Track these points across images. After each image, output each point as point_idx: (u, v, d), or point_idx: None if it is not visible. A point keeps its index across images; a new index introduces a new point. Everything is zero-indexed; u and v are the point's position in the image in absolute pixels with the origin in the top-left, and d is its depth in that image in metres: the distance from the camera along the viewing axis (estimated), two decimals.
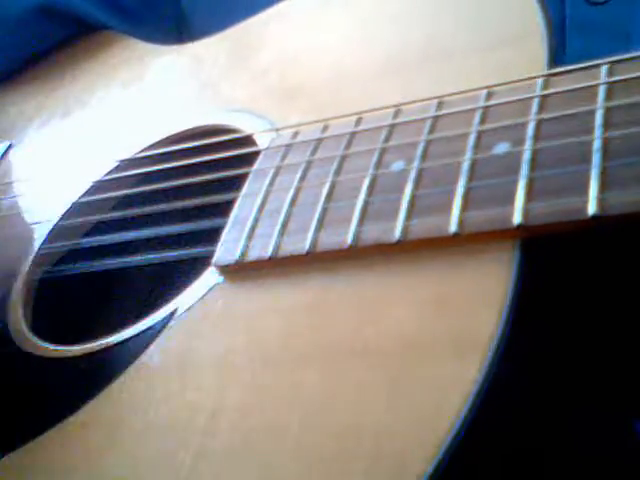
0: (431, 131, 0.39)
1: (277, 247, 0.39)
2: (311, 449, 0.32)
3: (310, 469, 0.32)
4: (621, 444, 0.39)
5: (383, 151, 0.40)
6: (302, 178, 0.41)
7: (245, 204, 0.43)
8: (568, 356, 0.35)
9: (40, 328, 0.49)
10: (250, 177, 0.44)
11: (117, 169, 0.55)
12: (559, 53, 0.40)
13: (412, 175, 0.37)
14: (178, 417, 0.37)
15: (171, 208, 0.49)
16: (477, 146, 0.36)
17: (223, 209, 0.44)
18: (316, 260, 0.38)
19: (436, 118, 0.39)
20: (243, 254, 0.40)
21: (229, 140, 0.50)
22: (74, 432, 0.40)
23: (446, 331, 0.32)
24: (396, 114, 0.41)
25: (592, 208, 0.31)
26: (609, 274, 0.34)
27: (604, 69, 0.36)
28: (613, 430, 0.39)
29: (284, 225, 0.40)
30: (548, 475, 0.35)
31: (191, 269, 0.45)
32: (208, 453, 0.34)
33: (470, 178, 0.35)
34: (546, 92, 0.37)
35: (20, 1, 0.71)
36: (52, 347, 0.46)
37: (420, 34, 0.46)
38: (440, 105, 0.40)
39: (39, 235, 0.54)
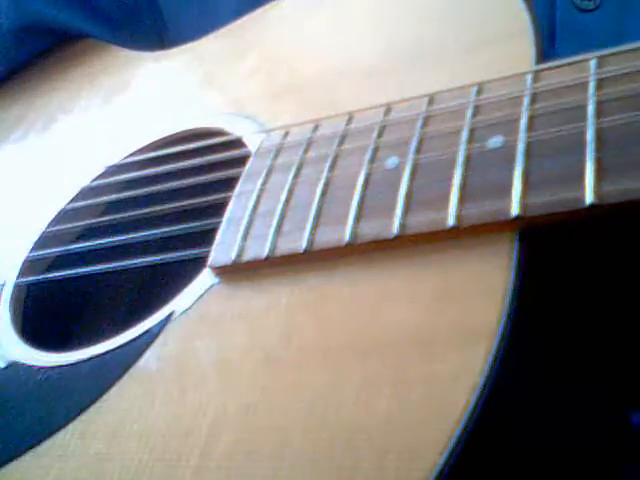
0: (424, 127, 0.39)
1: (273, 247, 0.39)
2: (318, 448, 0.32)
3: (318, 468, 0.31)
4: (616, 434, 0.40)
5: (376, 148, 0.40)
6: (296, 177, 0.41)
7: (238, 204, 0.42)
8: (569, 345, 0.35)
9: (30, 336, 0.48)
10: (242, 178, 0.44)
11: (105, 175, 0.55)
12: (549, 60, 0.40)
13: (407, 170, 0.37)
14: (180, 421, 0.36)
15: (161, 211, 0.49)
16: (471, 140, 0.37)
17: (214, 212, 0.44)
18: (313, 259, 0.38)
19: (428, 114, 0.40)
20: (239, 255, 0.40)
21: (219, 143, 0.49)
22: (72, 442, 0.39)
23: (449, 324, 0.32)
24: (387, 111, 0.41)
25: (589, 197, 0.31)
26: (608, 262, 0.34)
27: (593, 62, 0.37)
28: (608, 420, 0.39)
29: (279, 224, 0.39)
30: (549, 466, 0.35)
31: (181, 271, 0.44)
32: (212, 456, 0.34)
33: (466, 171, 0.35)
34: (537, 85, 0.37)
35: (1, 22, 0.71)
36: (44, 355, 0.45)
37: (409, 34, 0.46)
38: (431, 101, 0.40)
39: (27, 242, 0.54)
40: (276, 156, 0.44)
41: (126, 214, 0.50)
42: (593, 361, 0.37)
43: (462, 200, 0.34)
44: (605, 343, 0.36)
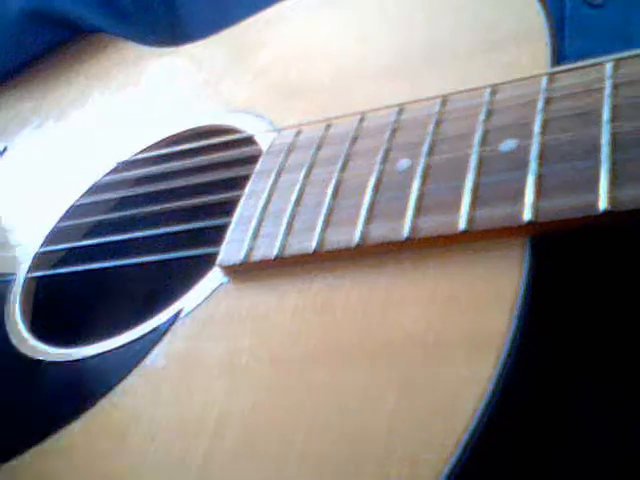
0: (436, 129, 0.39)
1: (283, 246, 0.39)
2: (320, 451, 0.32)
3: (320, 471, 0.31)
4: (625, 443, 0.39)
5: (388, 149, 0.39)
6: (306, 177, 0.41)
7: (249, 203, 0.42)
8: (579, 352, 0.34)
9: (39, 331, 0.48)
10: (253, 176, 0.44)
11: (116, 170, 0.55)
12: (559, 55, 0.40)
13: (419, 172, 0.37)
14: (186, 420, 0.36)
15: (171, 208, 0.48)
16: (484, 143, 0.36)
17: (225, 210, 0.44)
18: (323, 259, 0.37)
19: (441, 116, 0.39)
20: (248, 254, 0.40)
21: (230, 141, 0.49)
22: (78, 438, 0.39)
23: (458, 329, 0.32)
24: (400, 112, 0.41)
25: (603, 204, 0.31)
26: (620, 269, 0.33)
27: (609, 66, 0.36)
28: (617, 428, 0.39)
29: (289, 224, 0.39)
30: (560, 474, 0.35)
31: (191, 269, 0.44)
32: (217, 456, 0.34)
33: (478, 175, 0.35)
34: (552, 88, 0.37)
35: (12, 7, 0.71)
36: (52, 350, 0.45)
37: (422, 35, 0.46)
38: (444, 103, 0.40)
39: (38, 237, 0.54)
40: (288, 155, 0.44)
41: (136, 211, 0.50)
42: (603, 369, 0.36)
43: (474, 204, 0.34)
44: (616, 351, 0.36)
